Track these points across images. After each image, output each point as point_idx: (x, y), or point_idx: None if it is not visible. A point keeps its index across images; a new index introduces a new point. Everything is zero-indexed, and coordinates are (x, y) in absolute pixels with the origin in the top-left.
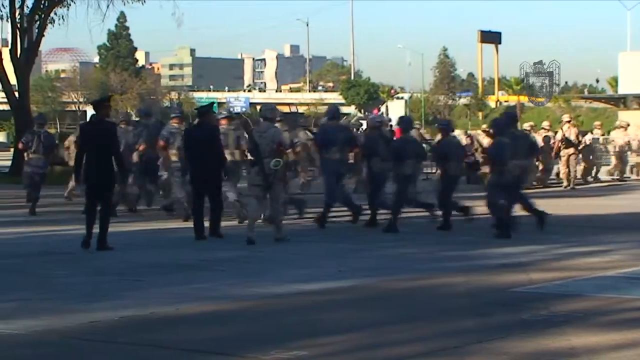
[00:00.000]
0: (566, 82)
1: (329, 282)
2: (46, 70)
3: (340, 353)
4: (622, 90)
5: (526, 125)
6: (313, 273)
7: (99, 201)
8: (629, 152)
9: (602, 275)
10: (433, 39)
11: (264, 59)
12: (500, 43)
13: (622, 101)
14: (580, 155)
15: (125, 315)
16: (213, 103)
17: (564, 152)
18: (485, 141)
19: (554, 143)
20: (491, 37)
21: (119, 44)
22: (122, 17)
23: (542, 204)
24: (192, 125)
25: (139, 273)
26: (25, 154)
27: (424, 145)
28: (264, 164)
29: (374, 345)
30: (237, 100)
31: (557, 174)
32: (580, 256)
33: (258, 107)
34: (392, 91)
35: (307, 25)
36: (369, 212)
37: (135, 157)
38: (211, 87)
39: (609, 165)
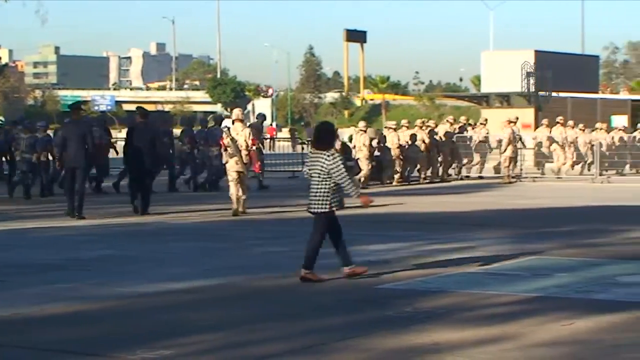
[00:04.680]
0: (430, 81)
1: (197, 280)
2: None
3: (206, 352)
4: (485, 88)
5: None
6: (181, 272)
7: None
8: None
9: (466, 271)
10: (300, 38)
11: (129, 57)
12: (365, 42)
13: (484, 99)
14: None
15: None
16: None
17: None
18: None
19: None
20: (357, 36)
21: None
22: None
23: (407, 201)
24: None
25: (0, 273)
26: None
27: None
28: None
29: (240, 343)
30: (103, 99)
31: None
32: (444, 253)
33: (124, 106)
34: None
35: (173, 23)
36: None
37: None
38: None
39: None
